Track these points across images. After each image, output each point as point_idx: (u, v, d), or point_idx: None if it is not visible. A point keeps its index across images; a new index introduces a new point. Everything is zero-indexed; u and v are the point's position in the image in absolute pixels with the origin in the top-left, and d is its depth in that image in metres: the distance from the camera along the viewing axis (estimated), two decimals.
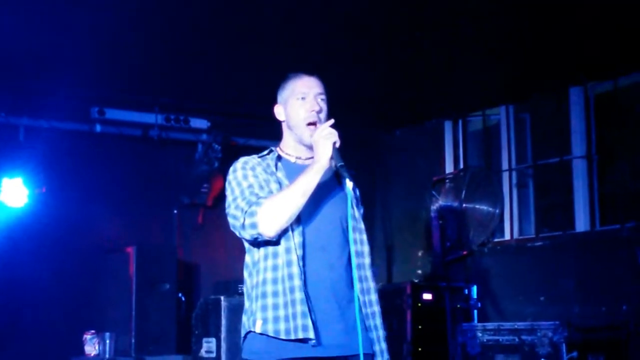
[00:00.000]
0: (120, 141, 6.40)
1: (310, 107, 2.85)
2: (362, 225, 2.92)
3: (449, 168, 7.14)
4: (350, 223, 2.79)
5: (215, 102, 6.56)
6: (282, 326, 2.72)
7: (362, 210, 3.00)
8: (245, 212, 2.72)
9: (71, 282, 5.93)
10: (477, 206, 6.65)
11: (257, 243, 2.81)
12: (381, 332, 2.88)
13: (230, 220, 2.80)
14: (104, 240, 6.11)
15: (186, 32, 5.11)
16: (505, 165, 6.78)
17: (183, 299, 6.20)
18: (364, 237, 2.92)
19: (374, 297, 2.90)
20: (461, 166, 7.06)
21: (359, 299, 2.81)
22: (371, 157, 7.44)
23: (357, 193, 3.00)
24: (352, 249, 2.78)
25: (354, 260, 2.78)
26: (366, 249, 2.91)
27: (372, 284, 2.90)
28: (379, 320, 2.89)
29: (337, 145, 2.73)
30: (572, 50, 5.49)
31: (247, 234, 2.74)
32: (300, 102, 2.87)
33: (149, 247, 5.91)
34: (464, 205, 6.63)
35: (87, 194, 6.19)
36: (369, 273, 2.91)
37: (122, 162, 6.43)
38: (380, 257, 7.38)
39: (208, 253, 6.62)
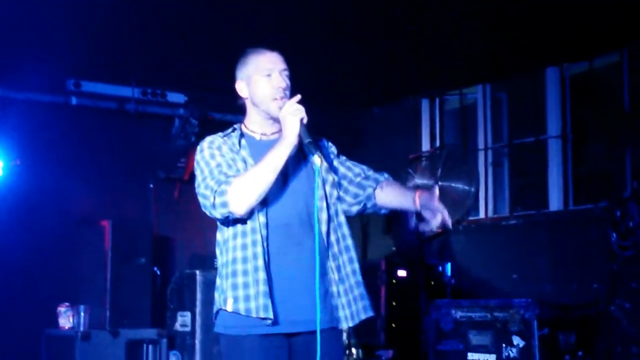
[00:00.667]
0: (96, 114, 6.36)
1: (277, 84, 2.85)
2: (328, 189, 2.90)
3: (426, 146, 7.17)
4: (317, 196, 2.79)
5: (193, 77, 6.52)
6: (252, 304, 2.75)
7: (346, 163, 3.02)
8: (215, 191, 2.73)
9: (46, 254, 5.91)
10: (453, 184, 6.68)
11: (228, 221, 2.82)
12: (352, 296, 2.87)
13: (201, 199, 2.81)
14: (79, 213, 6.08)
15: (164, 5, 5.06)
16: (481, 144, 6.82)
17: (158, 273, 6.20)
18: (339, 206, 2.93)
19: (346, 256, 2.89)
20: (438, 144, 7.09)
21: (334, 265, 2.86)
22: (348, 134, 7.44)
23: (333, 151, 3.01)
24: (316, 222, 2.79)
25: (317, 233, 2.79)
26: (343, 218, 2.92)
27: (354, 254, 2.90)
28: (354, 279, 2.88)
29: (305, 121, 2.74)
30: (549, 31, 5.51)
31: (218, 213, 2.76)
32: (265, 78, 2.85)
33: (125, 221, 5.90)
34: (439, 183, 6.67)
35: (63, 167, 6.16)
36: (349, 242, 2.91)
37: (98, 135, 6.39)
38: (355, 234, 7.37)
39: (184, 227, 6.61)
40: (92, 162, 6.30)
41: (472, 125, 6.99)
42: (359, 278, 2.90)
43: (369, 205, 3.02)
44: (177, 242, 6.69)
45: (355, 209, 3.01)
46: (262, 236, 2.77)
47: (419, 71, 6.53)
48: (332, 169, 2.95)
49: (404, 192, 3.01)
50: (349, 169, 3.02)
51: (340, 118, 7.31)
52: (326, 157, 2.92)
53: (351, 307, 2.87)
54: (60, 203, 6.07)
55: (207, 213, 2.81)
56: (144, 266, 5.85)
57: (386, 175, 3.06)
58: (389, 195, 3.01)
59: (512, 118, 6.76)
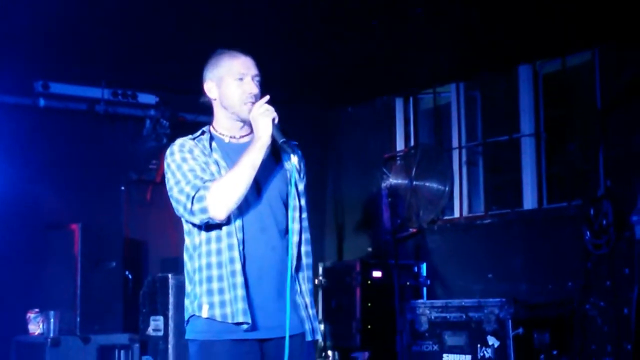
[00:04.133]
0: (65, 116, 6.25)
1: (248, 89, 2.84)
2: (302, 202, 2.91)
3: (400, 145, 7.15)
4: (292, 201, 2.81)
5: (164, 77, 6.44)
6: (228, 310, 2.73)
7: (304, 182, 2.99)
8: (193, 197, 2.71)
9: (15, 259, 5.80)
10: (427, 184, 6.68)
11: (200, 226, 2.79)
12: (311, 311, 2.89)
13: (174, 204, 2.78)
14: (48, 217, 5.98)
15: (134, 5, 4.99)
16: (455, 143, 6.81)
17: (130, 276, 6.12)
18: (305, 213, 2.92)
19: (310, 273, 2.92)
20: (412, 144, 7.07)
21: (297, 277, 2.86)
22: (323, 134, 7.41)
23: (302, 165, 2.98)
24: (291, 226, 2.80)
25: (291, 238, 2.80)
26: (305, 224, 2.92)
27: (310, 260, 2.92)
28: (310, 299, 2.90)
29: (276, 121, 2.74)
30: (521, 29, 5.51)
31: (196, 219, 2.73)
32: (237, 82, 2.84)
33: (95, 225, 5.81)
34: (414, 183, 6.65)
35: (31, 170, 6.05)
36: (309, 248, 2.92)
37: (67, 137, 6.29)
38: (331, 234, 7.38)
39: (156, 230, 6.53)
40: (61, 165, 6.20)
41: (446, 125, 6.97)
42: (312, 299, 2.92)
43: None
44: (149, 245, 6.60)
45: None
46: (238, 240, 2.75)
47: (392, 70, 6.51)
48: (301, 174, 2.93)
49: None
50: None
51: (315, 118, 7.28)
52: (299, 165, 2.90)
53: (311, 322, 2.88)
54: (29, 207, 5.95)
55: (183, 218, 2.79)
56: (115, 270, 5.76)
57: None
58: None
59: (486, 117, 6.75)
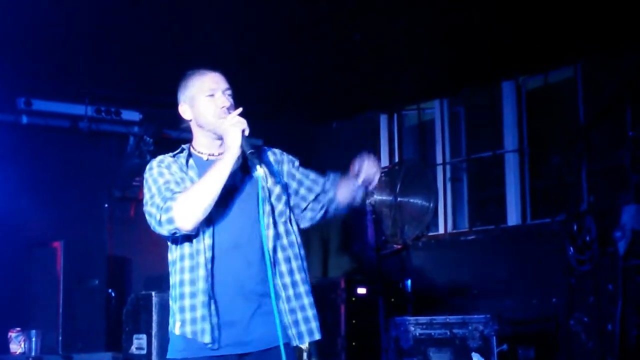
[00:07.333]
0: (48, 133, 6.22)
1: (221, 104, 2.83)
2: (284, 207, 2.87)
3: (385, 162, 7.16)
4: (262, 207, 2.78)
5: (148, 94, 6.43)
6: (198, 327, 2.74)
7: (300, 170, 2.97)
8: (161, 208, 2.71)
9: None
10: (412, 200, 6.67)
11: (176, 240, 2.79)
12: (300, 315, 2.83)
13: (148, 218, 2.79)
14: (31, 235, 5.93)
15: (117, 22, 4.99)
16: (439, 159, 6.83)
17: (113, 294, 6.07)
18: (287, 215, 2.88)
19: (298, 276, 2.85)
20: (396, 160, 7.08)
21: (278, 286, 2.80)
22: (307, 150, 7.38)
23: (282, 159, 2.96)
24: (264, 233, 2.76)
25: (266, 246, 2.75)
26: (295, 237, 2.88)
27: (295, 264, 2.85)
28: (299, 302, 2.84)
29: (247, 133, 2.72)
30: (504, 45, 5.54)
31: (164, 230, 2.73)
32: (209, 99, 2.84)
33: (78, 242, 5.76)
34: (398, 199, 6.65)
35: (14, 187, 5.99)
36: (302, 263, 2.88)
37: (50, 155, 6.25)
38: (315, 251, 7.36)
39: (140, 247, 6.48)
40: (44, 183, 6.16)
41: (430, 141, 6.99)
42: (310, 300, 2.87)
43: (331, 208, 3.00)
44: (133, 262, 6.56)
45: (319, 215, 2.99)
46: (205, 259, 2.75)
47: (376, 86, 6.53)
48: (278, 179, 2.89)
49: (347, 179, 3.00)
50: (306, 175, 2.99)
51: (299, 134, 7.27)
52: (270, 165, 2.88)
53: (299, 326, 2.83)
54: (11, 225, 5.89)
55: (156, 231, 2.78)
56: (97, 288, 5.72)
57: (334, 175, 3.04)
58: (342, 190, 3.00)
59: (470, 132, 6.78)
